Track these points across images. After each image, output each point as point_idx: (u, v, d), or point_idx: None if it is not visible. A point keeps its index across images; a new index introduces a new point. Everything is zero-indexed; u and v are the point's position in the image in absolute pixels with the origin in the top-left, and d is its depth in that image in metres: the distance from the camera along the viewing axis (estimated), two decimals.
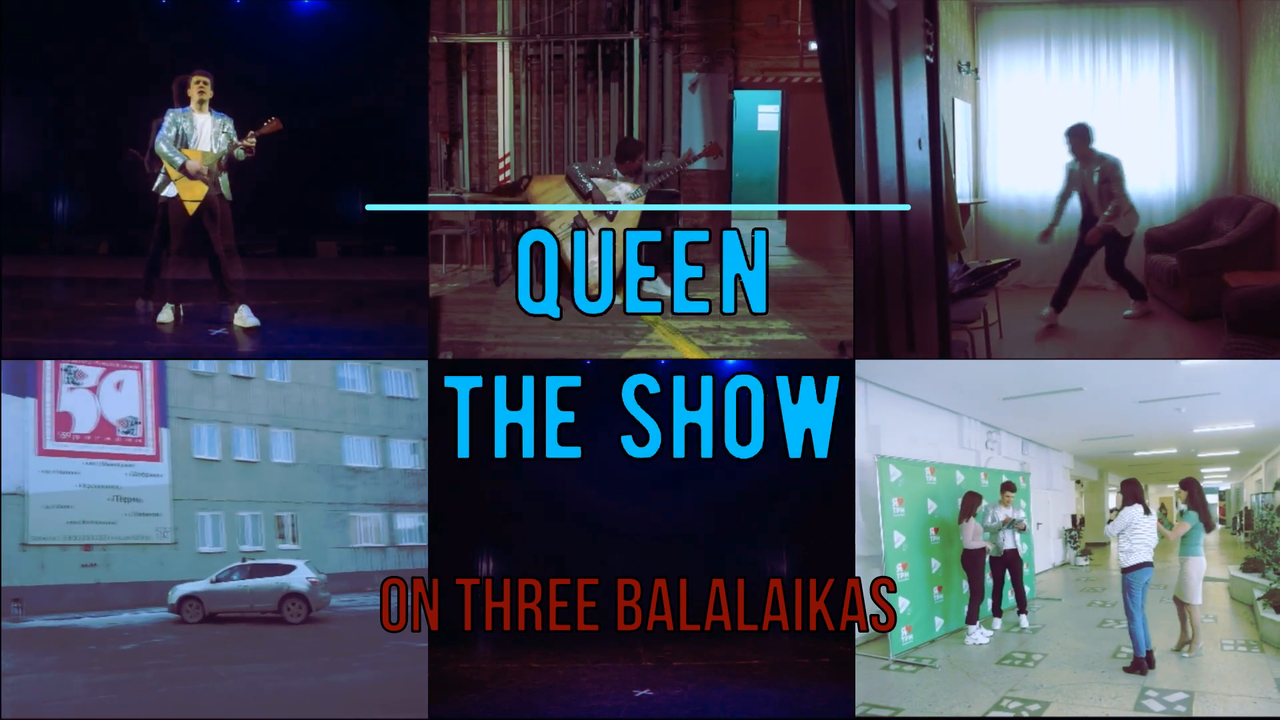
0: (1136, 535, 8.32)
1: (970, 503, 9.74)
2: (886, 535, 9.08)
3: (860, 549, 9.23)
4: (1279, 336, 8.71)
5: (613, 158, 11.23)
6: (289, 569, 14.14)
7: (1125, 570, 8.38)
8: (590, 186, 11.05)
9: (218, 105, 9.16)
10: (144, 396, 16.61)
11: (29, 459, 15.91)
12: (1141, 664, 8.12)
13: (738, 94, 14.69)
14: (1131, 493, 8.54)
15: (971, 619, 9.67)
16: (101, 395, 16.22)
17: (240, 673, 9.71)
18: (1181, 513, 8.82)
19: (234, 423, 17.60)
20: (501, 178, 13.78)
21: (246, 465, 17.73)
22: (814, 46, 12.47)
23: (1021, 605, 10.34)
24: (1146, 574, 8.33)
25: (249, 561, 14.54)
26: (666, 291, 11.62)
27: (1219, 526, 18.39)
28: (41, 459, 15.97)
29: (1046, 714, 7.18)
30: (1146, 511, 8.42)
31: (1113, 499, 18.94)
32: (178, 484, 16.95)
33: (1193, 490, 8.87)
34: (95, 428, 16.29)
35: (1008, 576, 10.26)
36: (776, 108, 18.82)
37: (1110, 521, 8.75)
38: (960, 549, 9.95)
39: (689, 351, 9.80)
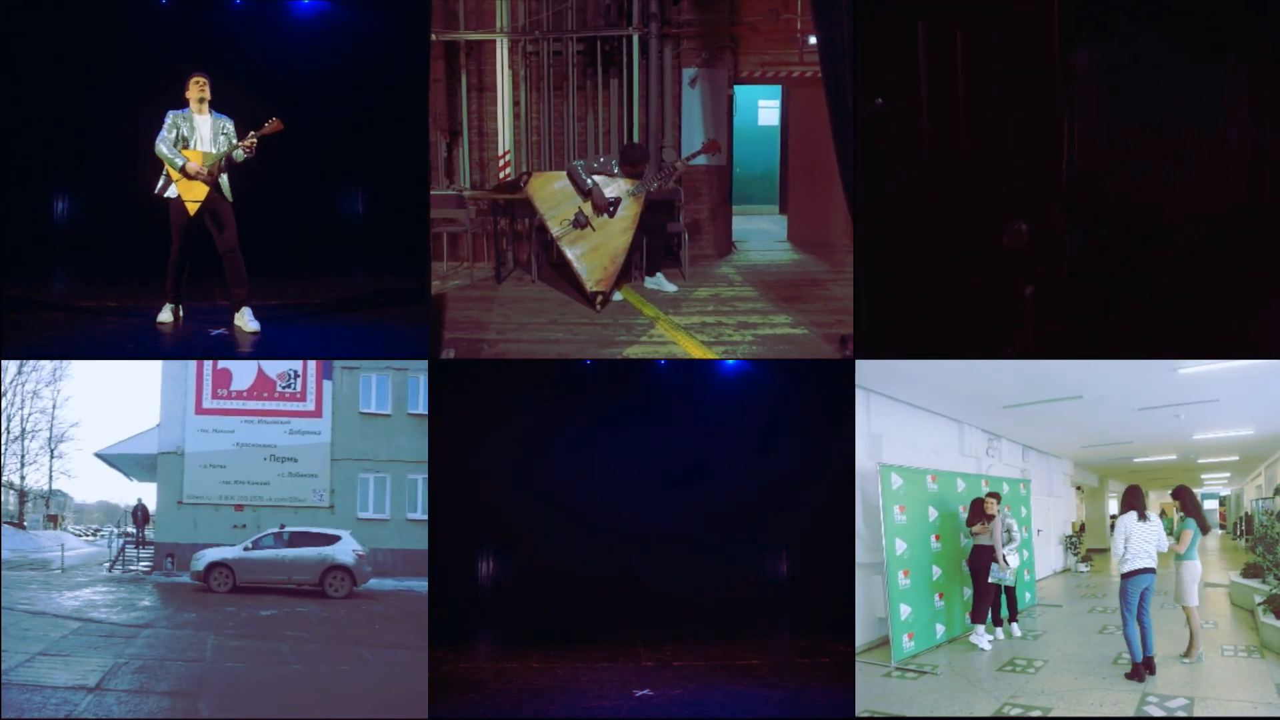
0: (1133, 542, 8.36)
1: (977, 508, 9.74)
2: (888, 543, 9.07)
3: (862, 556, 9.24)
4: None
5: (615, 159, 11.21)
6: (333, 539, 13.65)
7: (1123, 576, 8.42)
8: (590, 184, 11.04)
9: (217, 106, 9.12)
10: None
11: (187, 418, 16.02)
12: (1139, 670, 8.14)
13: (737, 89, 14.65)
14: (1127, 501, 8.60)
15: (978, 618, 9.66)
16: None
17: (394, 659, 9.23)
18: (1181, 519, 8.85)
19: (411, 370, 16.41)
20: (501, 175, 13.75)
21: (424, 419, 15.23)
22: (813, 41, 12.47)
23: (1012, 614, 10.25)
24: (1145, 580, 8.35)
25: (287, 529, 13.96)
26: (671, 288, 11.66)
27: (1219, 531, 18.48)
28: (199, 418, 16.00)
29: None
30: (1142, 518, 8.46)
31: (1113, 505, 18.91)
32: (338, 442, 16.32)
33: (1185, 498, 8.95)
34: (253, 383, 16.11)
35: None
36: (777, 102, 18.81)
37: (1112, 529, 8.81)
38: (958, 555, 10.01)
39: (691, 347, 9.80)
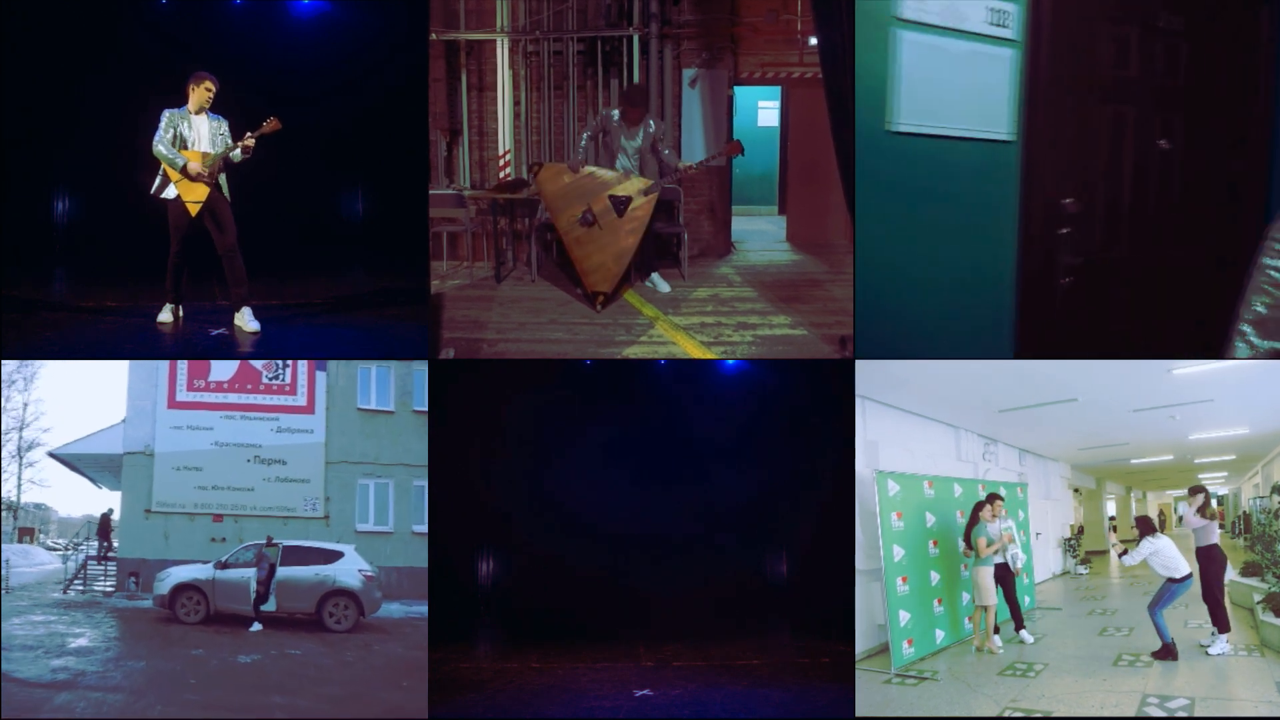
0: (1171, 553, 9.04)
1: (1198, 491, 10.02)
2: (886, 549, 9.05)
3: (860, 563, 9.23)
4: None
5: (616, 109, 11.19)
6: (335, 556, 11.46)
7: (1175, 580, 8.99)
8: (582, 155, 11.10)
9: (217, 106, 9.10)
10: None
11: (158, 413, 13.95)
12: (1172, 649, 8.66)
13: (737, 90, 14.65)
14: (1146, 527, 9.23)
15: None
16: None
17: None
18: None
19: (416, 362, 13.86)
20: (502, 174, 13.75)
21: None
22: (814, 42, 12.47)
23: (1018, 622, 10.15)
24: (1189, 583, 9.03)
25: (277, 543, 11.54)
26: (666, 287, 11.66)
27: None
28: (171, 413, 13.96)
29: None
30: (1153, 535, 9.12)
31: (1111, 506, 18.90)
32: (334, 442, 14.34)
33: (977, 511, 9.66)
34: (236, 374, 14.15)
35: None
36: (776, 103, 18.83)
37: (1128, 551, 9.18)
38: (957, 560, 10.01)
39: (690, 347, 9.79)
